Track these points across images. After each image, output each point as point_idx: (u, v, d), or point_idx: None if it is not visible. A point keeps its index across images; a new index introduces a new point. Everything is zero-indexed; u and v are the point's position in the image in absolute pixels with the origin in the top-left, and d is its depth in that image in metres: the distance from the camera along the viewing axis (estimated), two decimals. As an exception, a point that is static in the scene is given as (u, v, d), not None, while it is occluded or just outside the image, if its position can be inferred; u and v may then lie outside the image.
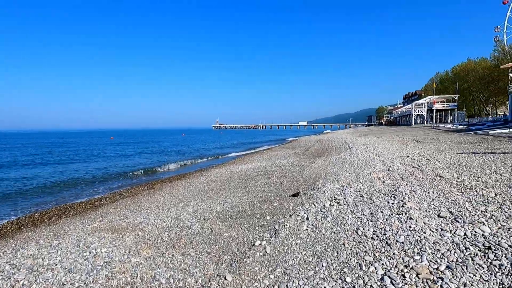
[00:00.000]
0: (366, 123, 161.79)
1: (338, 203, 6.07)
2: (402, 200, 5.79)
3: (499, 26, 79.24)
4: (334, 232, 4.43)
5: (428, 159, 11.15)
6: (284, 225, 4.88)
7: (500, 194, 5.88)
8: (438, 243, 3.78)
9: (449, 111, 69.60)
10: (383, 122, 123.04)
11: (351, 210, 5.45)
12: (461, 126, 33.92)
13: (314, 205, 6.06)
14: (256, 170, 12.17)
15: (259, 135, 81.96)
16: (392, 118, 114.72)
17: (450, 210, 5.07)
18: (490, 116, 62.59)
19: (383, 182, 7.79)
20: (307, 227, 4.73)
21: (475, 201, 5.50)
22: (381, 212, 5.18)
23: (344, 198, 6.36)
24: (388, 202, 5.78)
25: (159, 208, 7.57)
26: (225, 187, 9.30)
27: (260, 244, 4.32)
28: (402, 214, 4.96)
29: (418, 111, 68.64)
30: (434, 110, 67.49)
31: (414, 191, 6.50)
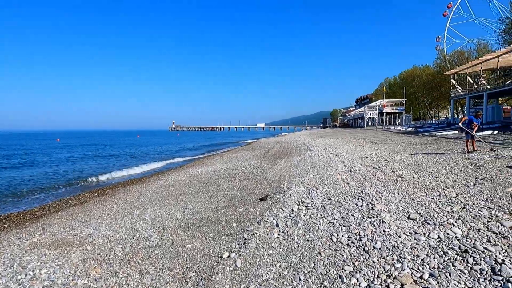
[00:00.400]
0: (322, 125, 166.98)
1: (306, 207, 5.84)
2: (371, 203, 5.69)
3: (439, 36, 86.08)
4: (307, 240, 4.14)
5: (387, 160, 11.43)
6: (253, 234, 4.50)
7: (461, 194, 6.00)
8: (415, 248, 3.63)
9: (397, 114, 73.89)
10: (337, 125, 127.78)
11: (321, 215, 5.22)
12: (410, 128, 36.02)
13: (282, 209, 5.77)
14: (218, 173, 11.69)
15: (218, 137, 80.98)
16: (346, 120, 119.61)
17: (418, 211, 5.03)
18: (433, 119, 67.42)
19: (348, 183, 7.74)
20: (278, 234, 4.40)
21: (439, 201, 5.54)
22: (352, 215, 5.01)
23: (312, 202, 6.15)
24: (357, 205, 5.65)
25: (111, 217, 6.85)
26: (185, 192, 8.74)
27: (229, 256, 3.90)
28: (374, 217, 4.83)
29: (370, 114, 72.06)
30: (385, 113, 71.22)
31: (380, 193, 6.47)
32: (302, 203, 6.15)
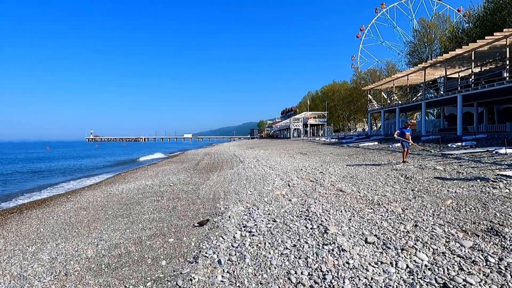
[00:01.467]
0: (249, 136, 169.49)
1: (250, 232, 5.00)
2: (321, 224, 5.09)
3: (354, 55, 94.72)
4: (261, 283, 3.28)
5: (322, 172, 11.27)
6: (190, 279, 3.47)
7: (407, 209, 5.80)
8: (390, 285, 3.04)
9: (320, 126, 78.37)
10: (263, 136, 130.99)
11: (270, 243, 4.43)
12: (334, 140, 38.05)
13: (222, 238, 4.84)
14: (142, 191, 10.23)
15: (142, 148, 76.08)
16: (272, 131, 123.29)
17: (373, 233, 4.57)
18: (352, 131, 73.00)
19: (290, 200, 7.14)
20: (223, 277, 3.46)
21: (390, 219, 5.20)
22: (306, 242, 4.31)
23: (256, 225, 5.34)
24: (307, 227, 5.01)
25: (-7, 258, 5.14)
26: (101, 217, 7.23)
27: (158, 319, 2.85)
28: (330, 243, 4.20)
29: (296, 126, 75.10)
30: (309, 125, 74.90)
31: (327, 211, 5.96)
32: (244, 227, 5.30)
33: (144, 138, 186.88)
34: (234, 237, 4.85)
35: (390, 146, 20.23)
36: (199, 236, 5.09)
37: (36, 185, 15.74)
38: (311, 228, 4.95)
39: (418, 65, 29.68)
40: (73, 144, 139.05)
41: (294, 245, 4.27)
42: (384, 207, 6.01)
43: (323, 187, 8.46)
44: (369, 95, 38.49)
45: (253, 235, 4.85)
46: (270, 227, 5.18)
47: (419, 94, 35.70)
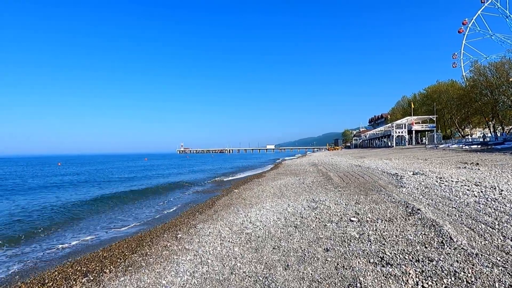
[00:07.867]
0: (334, 146, 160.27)
1: None
2: None
3: (456, 53, 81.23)
4: None
5: None
6: None
7: None
8: None
9: (426, 132, 67.42)
10: (347, 145, 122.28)
11: None
12: (475, 146, 29.54)
13: None
14: (307, 231, 5.47)
15: (232, 159, 74.65)
16: (361, 141, 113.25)
17: None
18: (469, 136, 60.94)
19: None
20: None
21: None
22: None
23: None
24: None
25: None
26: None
27: None
28: None
29: (399, 132, 65.81)
30: (413, 131, 64.98)
31: None
32: None
33: (229, 150, 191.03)
34: None
35: None
36: None
37: (132, 205, 12.46)
38: None
39: None
40: (167, 156, 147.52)
41: None
42: None
43: None
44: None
45: None
46: None
47: None
